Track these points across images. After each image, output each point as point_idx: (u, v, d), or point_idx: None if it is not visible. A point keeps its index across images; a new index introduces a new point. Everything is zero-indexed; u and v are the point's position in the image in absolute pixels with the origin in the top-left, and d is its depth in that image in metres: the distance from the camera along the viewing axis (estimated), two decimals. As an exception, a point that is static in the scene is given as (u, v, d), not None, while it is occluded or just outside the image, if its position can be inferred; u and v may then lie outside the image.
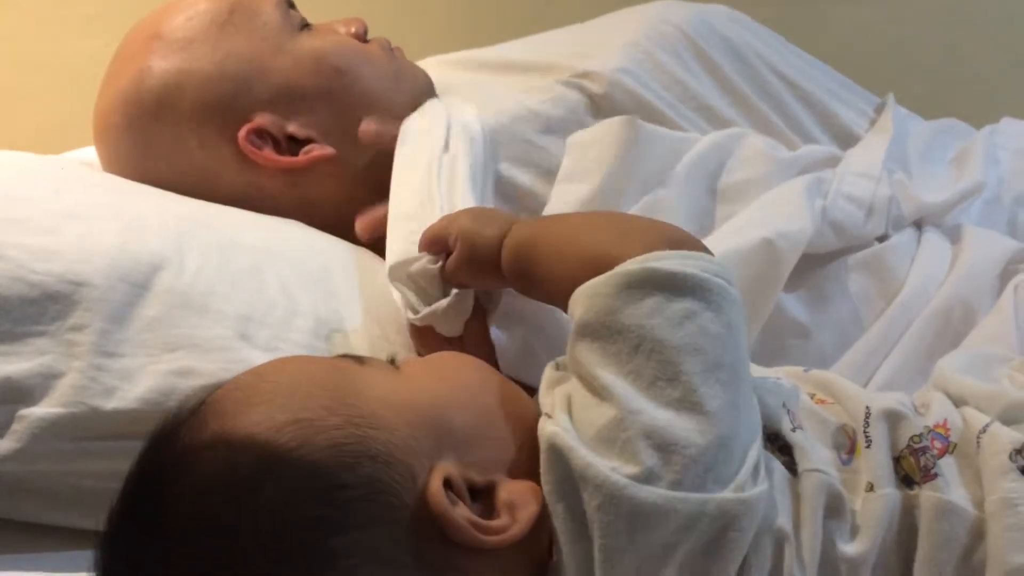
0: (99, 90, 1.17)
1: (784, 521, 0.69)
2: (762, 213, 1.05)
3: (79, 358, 0.86)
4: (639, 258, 0.71)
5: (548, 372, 0.78)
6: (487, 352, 0.92)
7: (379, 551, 0.66)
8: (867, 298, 1.05)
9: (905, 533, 0.71)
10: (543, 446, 0.69)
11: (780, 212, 1.04)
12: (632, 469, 0.66)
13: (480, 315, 0.92)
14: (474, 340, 0.91)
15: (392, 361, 0.76)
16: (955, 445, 0.74)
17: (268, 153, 1.12)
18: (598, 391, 0.69)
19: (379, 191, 1.07)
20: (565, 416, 0.70)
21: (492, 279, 0.87)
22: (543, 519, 0.68)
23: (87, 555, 0.69)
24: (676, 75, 1.22)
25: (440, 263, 0.89)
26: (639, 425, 0.67)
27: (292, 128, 1.12)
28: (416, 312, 0.90)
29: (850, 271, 1.06)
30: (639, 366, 0.69)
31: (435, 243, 0.89)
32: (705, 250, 0.75)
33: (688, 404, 0.67)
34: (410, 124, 1.12)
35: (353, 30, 1.20)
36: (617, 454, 0.67)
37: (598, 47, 1.24)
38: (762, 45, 1.29)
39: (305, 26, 1.18)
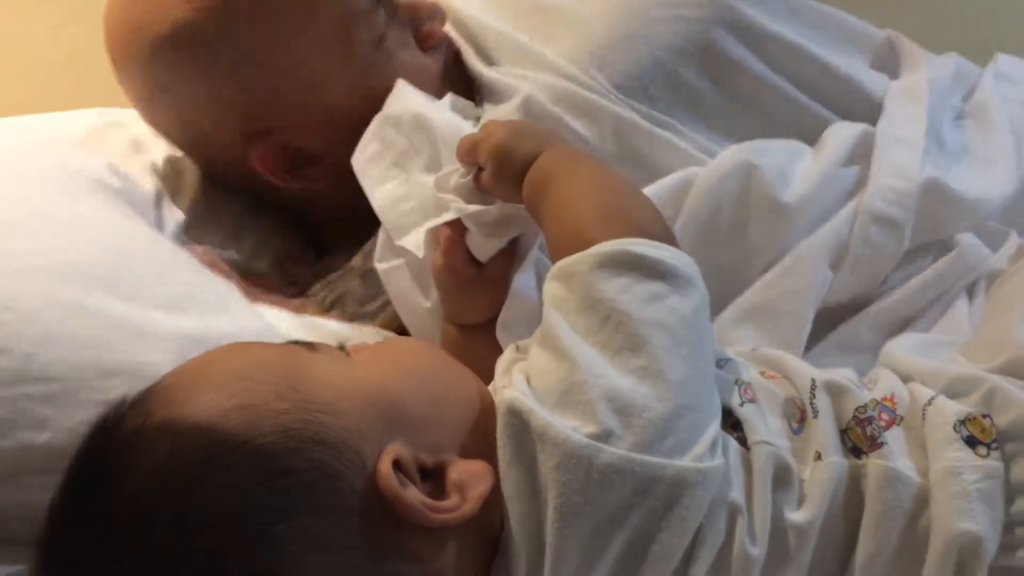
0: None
1: (737, 495, 0.71)
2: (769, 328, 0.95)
3: (2, 387, 0.78)
4: (616, 240, 0.74)
5: (507, 354, 0.80)
6: (496, 297, 0.91)
7: (327, 536, 0.65)
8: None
9: (852, 502, 0.73)
10: (501, 411, 0.70)
11: (783, 324, 0.95)
12: (592, 429, 0.67)
13: (507, 258, 0.91)
14: (492, 276, 0.91)
15: (342, 348, 0.77)
16: (902, 418, 0.75)
17: (274, 176, 1.09)
18: (563, 357, 0.70)
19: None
20: (524, 384, 0.71)
21: (518, 195, 0.86)
22: (495, 497, 0.69)
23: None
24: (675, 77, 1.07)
25: (472, 175, 0.89)
26: (601, 388, 0.68)
27: (306, 144, 1.09)
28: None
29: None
30: (607, 337, 0.71)
31: (468, 155, 0.90)
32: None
33: (651, 372, 0.69)
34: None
35: (427, 28, 1.13)
36: (578, 415, 0.68)
37: (579, 27, 1.10)
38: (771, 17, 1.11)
39: (382, 36, 1.09)
